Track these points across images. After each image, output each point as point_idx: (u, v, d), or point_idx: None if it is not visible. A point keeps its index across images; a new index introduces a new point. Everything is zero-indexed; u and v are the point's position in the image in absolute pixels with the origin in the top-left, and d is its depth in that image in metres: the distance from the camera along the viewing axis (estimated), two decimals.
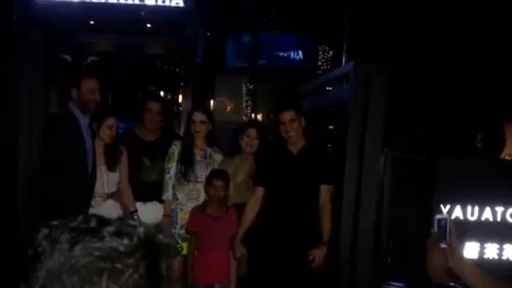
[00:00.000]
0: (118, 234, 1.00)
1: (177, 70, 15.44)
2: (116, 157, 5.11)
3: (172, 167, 5.21)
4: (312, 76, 14.04)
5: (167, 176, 5.22)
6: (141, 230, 1.03)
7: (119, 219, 1.07)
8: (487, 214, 4.45)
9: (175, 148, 5.23)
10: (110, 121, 4.99)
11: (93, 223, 1.02)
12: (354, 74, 4.81)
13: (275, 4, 13.76)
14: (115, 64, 13.31)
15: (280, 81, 14.67)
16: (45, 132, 4.57)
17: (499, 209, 4.43)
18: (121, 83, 12.89)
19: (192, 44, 13.56)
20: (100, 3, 11.88)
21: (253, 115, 17.29)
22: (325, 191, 4.89)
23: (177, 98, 16.20)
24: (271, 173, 4.93)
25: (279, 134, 4.99)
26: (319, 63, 17.03)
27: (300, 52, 15.90)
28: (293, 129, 4.86)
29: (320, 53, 17.06)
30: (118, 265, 0.98)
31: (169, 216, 5.20)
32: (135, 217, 5.17)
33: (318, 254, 4.84)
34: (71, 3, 11.79)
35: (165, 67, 15.73)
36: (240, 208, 5.12)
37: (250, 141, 5.11)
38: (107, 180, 5.05)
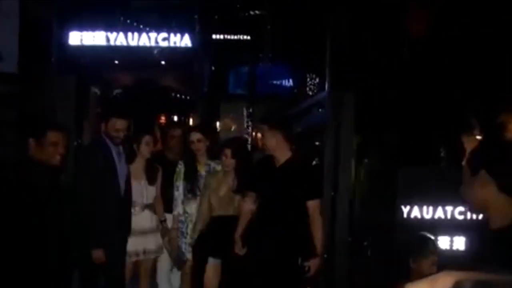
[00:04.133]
0: None
1: (187, 98, 15.62)
2: (155, 173, 5.09)
3: (180, 185, 4.98)
4: (301, 100, 14.23)
5: (176, 193, 4.99)
6: None
7: None
8: (439, 212, 4.60)
9: (181, 167, 5.02)
10: (147, 138, 5.00)
11: None
12: (328, 100, 4.96)
13: (268, 41, 13.97)
14: (136, 95, 13.49)
15: (274, 105, 14.85)
16: (82, 157, 4.68)
17: (449, 208, 4.58)
18: (140, 111, 12.99)
19: (199, 76, 13.78)
20: (123, 46, 12.11)
21: (253, 134, 17.47)
22: (312, 206, 4.35)
23: (188, 122, 16.38)
24: (257, 182, 4.54)
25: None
26: (307, 89, 17.17)
27: (290, 80, 16.08)
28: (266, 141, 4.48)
29: (308, 80, 17.21)
30: None
31: (176, 229, 5.00)
32: (164, 225, 5.18)
33: (313, 265, 4.36)
34: (99, 46, 12.02)
35: (177, 95, 15.90)
36: (223, 220, 4.74)
37: (226, 160, 4.69)
38: (146, 193, 5.03)
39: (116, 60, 12.77)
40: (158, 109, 14.85)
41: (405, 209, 4.58)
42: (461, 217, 4.57)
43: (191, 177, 4.96)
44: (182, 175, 4.99)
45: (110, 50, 12.07)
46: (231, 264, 4.63)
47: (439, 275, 0.88)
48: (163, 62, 13.10)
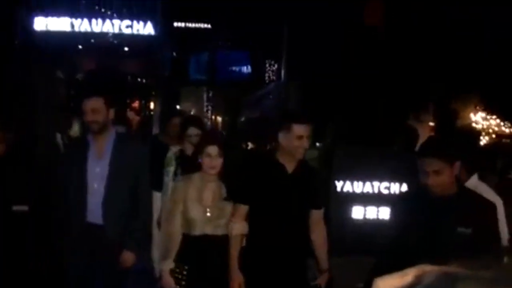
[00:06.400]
0: None
1: (149, 83, 16.26)
2: None
3: (171, 170, 4.80)
4: (259, 86, 15.05)
5: (166, 178, 4.80)
6: None
7: None
8: (368, 187, 5.48)
9: (172, 153, 4.84)
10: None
11: None
12: (275, 92, 5.75)
13: (227, 28, 14.68)
14: (99, 80, 13.93)
15: (233, 91, 15.68)
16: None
17: (376, 184, 5.46)
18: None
19: (162, 62, 14.46)
20: (87, 32, 12.68)
21: (213, 117, 18.22)
22: (318, 214, 3.77)
23: (149, 105, 17.08)
24: (260, 189, 3.60)
25: (274, 145, 3.81)
26: (266, 75, 17.92)
27: (249, 66, 16.85)
28: (307, 145, 3.59)
29: (267, 66, 17.92)
30: None
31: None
32: None
33: (323, 283, 3.79)
34: (64, 32, 12.55)
35: (139, 80, 16.49)
36: (212, 241, 3.62)
37: (212, 161, 3.62)
38: None
39: (80, 45, 13.33)
40: (122, 93, 15.48)
41: (338, 183, 5.43)
42: (386, 191, 5.48)
43: (185, 165, 4.66)
44: (173, 161, 4.80)
45: (75, 36, 12.64)
46: None
47: (410, 270, 0.83)
48: (126, 49, 13.71)
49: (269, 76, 17.82)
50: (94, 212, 3.86)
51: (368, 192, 5.47)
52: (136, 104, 17.68)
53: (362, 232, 5.35)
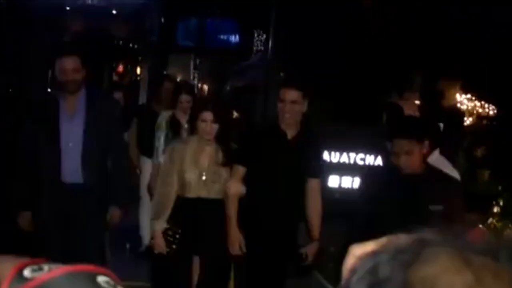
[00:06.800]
0: None
1: (135, 47, 16.30)
2: None
3: (162, 135, 4.92)
4: (247, 56, 15.16)
5: (157, 143, 4.93)
6: None
7: None
8: (344, 158, 5.76)
9: (162, 118, 4.97)
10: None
11: None
12: (262, 61, 5.93)
13: None
14: (85, 42, 13.93)
15: (220, 59, 15.76)
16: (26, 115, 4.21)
17: (352, 155, 5.74)
18: (90, 59, 13.29)
19: (149, 27, 14.49)
20: None
21: (199, 85, 18.32)
22: (316, 183, 3.83)
23: (136, 70, 17.14)
24: (258, 153, 3.73)
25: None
26: (254, 45, 17.98)
27: (237, 35, 16.90)
28: (292, 111, 3.68)
29: (256, 35, 17.96)
30: None
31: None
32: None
33: (311, 252, 3.89)
34: None
35: (127, 44, 16.51)
36: (205, 204, 3.74)
37: (207, 126, 3.70)
38: None
39: (68, 7, 13.31)
40: (108, 57, 15.53)
41: None
42: (361, 162, 5.76)
43: (175, 129, 4.89)
44: (164, 126, 4.92)
45: None
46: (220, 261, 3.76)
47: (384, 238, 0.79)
48: (114, 12, 13.71)
49: (257, 46, 17.86)
50: (72, 171, 3.84)
51: (344, 162, 5.77)
52: (122, 69, 17.78)
53: (336, 199, 5.65)
